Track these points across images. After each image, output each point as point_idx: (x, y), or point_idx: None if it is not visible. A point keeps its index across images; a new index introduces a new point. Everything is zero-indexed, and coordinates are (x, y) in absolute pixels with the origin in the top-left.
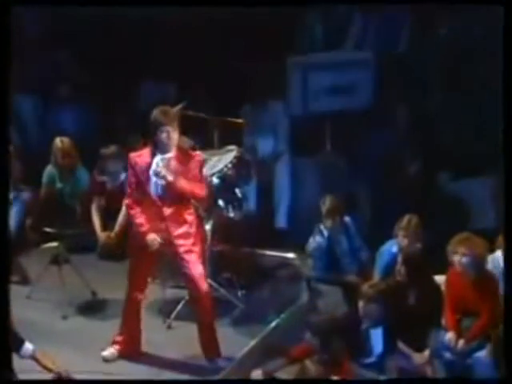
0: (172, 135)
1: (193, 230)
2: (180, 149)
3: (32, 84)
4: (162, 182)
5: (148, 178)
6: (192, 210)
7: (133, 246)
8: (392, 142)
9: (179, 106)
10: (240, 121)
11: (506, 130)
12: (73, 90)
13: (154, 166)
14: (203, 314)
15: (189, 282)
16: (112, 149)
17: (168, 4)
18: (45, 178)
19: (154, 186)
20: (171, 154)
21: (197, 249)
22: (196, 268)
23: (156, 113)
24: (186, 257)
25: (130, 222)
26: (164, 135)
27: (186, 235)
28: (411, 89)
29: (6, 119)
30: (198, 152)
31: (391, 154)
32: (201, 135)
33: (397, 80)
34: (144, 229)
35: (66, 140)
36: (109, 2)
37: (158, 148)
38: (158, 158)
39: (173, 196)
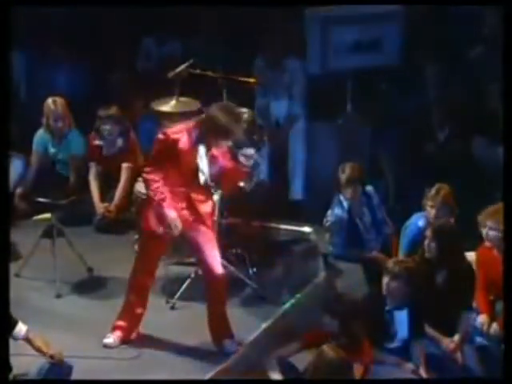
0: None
1: (212, 208)
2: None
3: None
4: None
5: (190, 163)
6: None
7: (147, 226)
8: (420, 104)
9: (185, 64)
10: (252, 80)
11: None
12: (68, 47)
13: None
14: (215, 297)
15: (202, 258)
16: (111, 110)
17: None
18: (36, 143)
19: (203, 175)
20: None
21: (211, 223)
22: (212, 243)
23: (230, 122)
24: (207, 236)
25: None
26: (225, 144)
27: (209, 214)
28: (443, 46)
29: (7, 119)
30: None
31: (419, 117)
32: (209, 96)
33: (427, 36)
34: (166, 206)
35: (59, 100)
36: None
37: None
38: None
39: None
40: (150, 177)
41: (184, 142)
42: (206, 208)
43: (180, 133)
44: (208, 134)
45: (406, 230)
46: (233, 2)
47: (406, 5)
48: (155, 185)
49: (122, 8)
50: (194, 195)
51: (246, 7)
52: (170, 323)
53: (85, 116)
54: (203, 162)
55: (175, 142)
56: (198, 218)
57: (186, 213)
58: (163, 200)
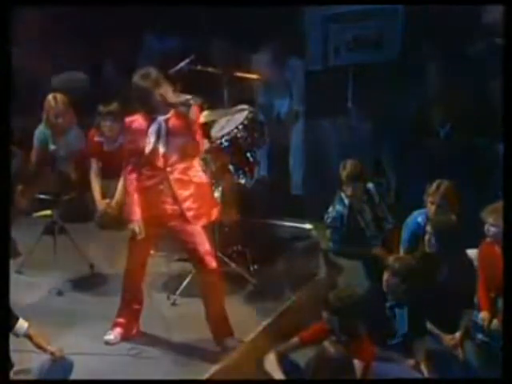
0: (166, 95)
1: (201, 191)
2: (177, 108)
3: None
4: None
5: (146, 142)
6: (198, 170)
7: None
8: (421, 101)
9: (186, 61)
10: (253, 76)
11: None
12: (68, 44)
13: (154, 127)
14: (210, 291)
15: (194, 255)
16: (112, 106)
17: None
18: (36, 140)
19: (154, 144)
20: (170, 115)
21: (204, 212)
22: (201, 238)
23: (136, 80)
24: (192, 226)
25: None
26: (158, 98)
27: (193, 197)
28: (443, 43)
29: (7, 115)
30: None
31: (420, 114)
32: (210, 93)
33: (428, 32)
34: (133, 210)
35: (59, 96)
36: None
37: (157, 112)
38: (160, 119)
39: (175, 153)
40: (123, 173)
41: (139, 122)
42: (187, 191)
43: (136, 116)
44: (137, 102)
45: (407, 226)
46: (233, 1)
47: (406, 5)
48: (127, 182)
49: (123, 4)
50: (173, 176)
51: (247, 7)
52: (171, 319)
53: (85, 112)
54: (153, 136)
55: (133, 125)
56: (180, 210)
57: (168, 208)
58: (131, 202)
